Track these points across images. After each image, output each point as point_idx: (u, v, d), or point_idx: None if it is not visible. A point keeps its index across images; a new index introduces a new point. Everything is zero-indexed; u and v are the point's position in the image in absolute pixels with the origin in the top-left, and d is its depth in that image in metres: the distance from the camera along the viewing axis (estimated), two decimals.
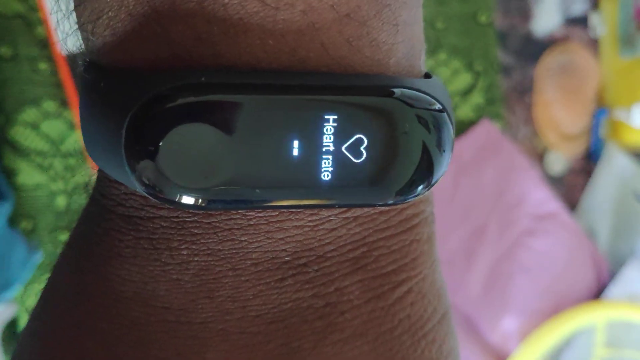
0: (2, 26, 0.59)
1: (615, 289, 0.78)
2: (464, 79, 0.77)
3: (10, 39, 0.60)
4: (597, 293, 0.79)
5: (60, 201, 0.62)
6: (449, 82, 0.76)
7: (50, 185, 0.62)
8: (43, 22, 0.61)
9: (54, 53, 0.61)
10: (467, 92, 0.77)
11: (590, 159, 0.84)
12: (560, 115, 0.82)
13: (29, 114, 0.61)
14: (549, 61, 0.82)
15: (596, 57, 0.84)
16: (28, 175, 0.61)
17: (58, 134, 0.61)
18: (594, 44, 0.85)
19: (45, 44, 0.61)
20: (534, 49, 0.82)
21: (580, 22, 0.84)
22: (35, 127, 0.61)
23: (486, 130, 0.77)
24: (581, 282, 0.79)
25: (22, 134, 0.61)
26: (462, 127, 0.77)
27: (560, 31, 0.83)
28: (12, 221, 0.62)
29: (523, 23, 0.81)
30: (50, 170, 0.61)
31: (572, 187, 0.84)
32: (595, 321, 0.75)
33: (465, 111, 0.77)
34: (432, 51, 0.75)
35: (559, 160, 0.82)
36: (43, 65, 0.61)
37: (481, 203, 0.76)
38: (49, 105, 0.61)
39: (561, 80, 0.82)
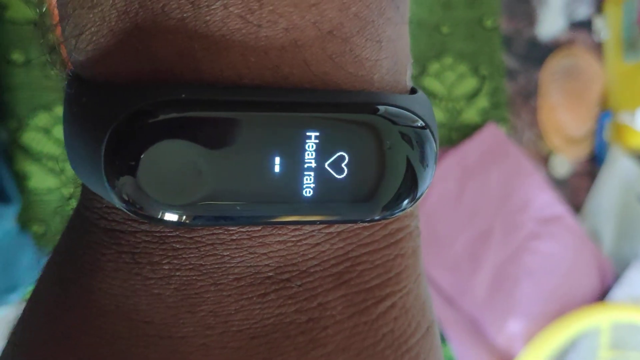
0: (14, 32, 0.60)
1: (619, 291, 0.78)
2: (469, 83, 0.77)
3: (22, 44, 0.60)
4: (602, 295, 0.79)
5: (72, 205, 0.62)
6: (454, 86, 0.76)
7: (62, 190, 0.62)
8: (54, 27, 0.61)
9: (65, 58, 0.61)
10: (472, 96, 0.77)
11: (594, 162, 0.84)
12: (564, 118, 0.82)
13: (41, 118, 0.61)
14: (554, 65, 0.82)
15: (600, 61, 0.84)
16: (40, 179, 0.62)
17: None
18: (598, 48, 0.84)
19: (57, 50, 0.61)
20: (538, 53, 0.81)
21: (584, 26, 0.83)
22: (47, 131, 0.62)
23: (491, 134, 0.77)
24: (586, 284, 0.78)
25: (34, 139, 0.61)
26: (468, 131, 0.77)
27: (565, 35, 0.83)
28: (23, 225, 0.62)
29: (528, 27, 0.81)
30: (62, 174, 0.62)
31: (576, 190, 0.83)
32: (600, 323, 0.75)
33: (470, 115, 0.77)
34: (438, 56, 0.75)
35: (564, 164, 0.82)
36: (54, 71, 0.61)
37: (486, 206, 0.75)
38: (61, 110, 0.62)
39: (566, 84, 0.82)
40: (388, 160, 0.15)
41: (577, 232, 0.79)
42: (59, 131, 0.62)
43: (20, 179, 0.62)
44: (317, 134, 0.14)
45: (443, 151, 0.76)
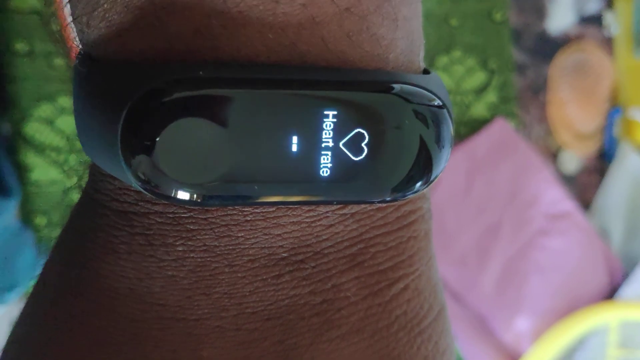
0: (18, 22, 0.60)
1: (628, 289, 0.78)
2: (478, 77, 0.76)
3: (26, 34, 0.60)
4: (610, 293, 0.79)
5: (75, 197, 0.62)
6: (463, 80, 0.76)
7: (65, 181, 0.62)
8: (57, 17, 0.61)
9: (68, 48, 0.61)
10: (481, 90, 0.76)
11: (603, 159, 0.84)
12: (574, 114, 0.82)
13: (44, 109, 0.61)
14: (563, 60, 0.82)
15: (610, 56, 0.84)
16: (43, 170, 0.62)
17: (73, 130, 0.61)
18: (608, 43, 0.84)
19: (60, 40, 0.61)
20: (548, 48, 0.81)
21: (594, 21, 0.83)
22: (50, 122, 0.62)
23: (500, 129, 0.76)
24: (594, 282, 0.78)
25: (37, 130, 0.61)
26: (476, 126, 0.77)
27: (575, 30, 0.83)
28: (26, 217, 0.62)
29: (538, 21, 0.81)
30: (65, 165, 0.62)
31: (585, 186, 0.83)
32: (609, 321, 0.75)
33: (479, 109, 0.76)
34: (446, 49, 0.75)
35: (573, 160, 0.82)
36: (59, 61, 0.61)
37: (495, 201, 0.76)
38: (64, 101, 0.61)
39: (575, 79, 0.82)
40: (402, 140, 0.14)
41: (586, 229, 0.79)
42: (62, 122, 0.62)
43: (22, 170, 0.61)
44: (335, 112, 0.14)
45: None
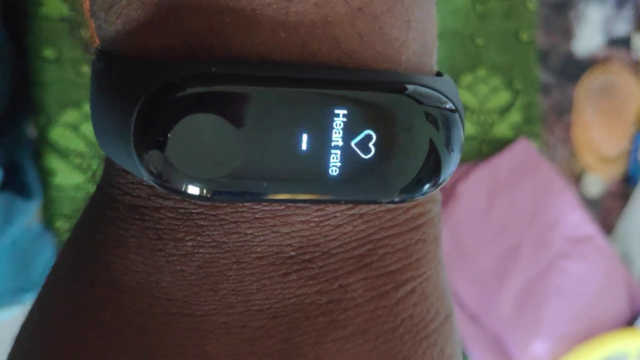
0: (48, 29, 0.61)
1: None
2: (502, 97, 0.76)
3: (55, 41, 0.61)
4: (631, 320, 0.78)
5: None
6: (487, 99, 0.75)
7: (88, 186, 0.62)
8: (86, 25, 0.61)
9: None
10: (505, 110, 0.76)
11: (628, 183, 0.83)
12: (599, 137, 0.81)
13: (70, 115, 0.62)
14: (590, 82, 0.81)
15: (638, 79, 0.83)
16: (66, 175, 0.62)
17: None
18: (636, 66, 0.83)
19: (88, 47, 0.62)
20: (574, 69, 0.81)
21: (622, 43, 0.83)
22: (75, 128, 0.62)
23: (523, 149, 0.76)
24: (614, 308, 0.77)
25: (62, 135, 0.62)
26: (499, 145, 0.76)
27: (602, 52, 0.82)
28: (48, 221, 0.63)
29: (564, 42, 0.80)
30: (89, 171, 0.62)
31: (608, 210, 0.82)
32: (628, 349, 0.74)
33: (502, 129, 0.76)
34: (471, 67, 0.75)
35: (596, 183, 0.81)
36: (86, 68, 0.62)
37: (516, 222, 0.75)
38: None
39: (601, 102, 0.81)
40: (410, 141, 0.15)
41: (608, 254, 0.78)
42: (87, 128, 0.62)
43: (46, 174, 0.62)
44: (345, 112, 0.14)
45: (473, 164, 0.75)
